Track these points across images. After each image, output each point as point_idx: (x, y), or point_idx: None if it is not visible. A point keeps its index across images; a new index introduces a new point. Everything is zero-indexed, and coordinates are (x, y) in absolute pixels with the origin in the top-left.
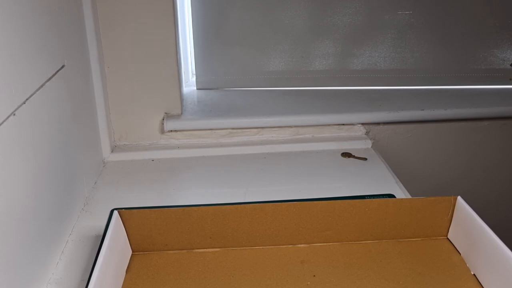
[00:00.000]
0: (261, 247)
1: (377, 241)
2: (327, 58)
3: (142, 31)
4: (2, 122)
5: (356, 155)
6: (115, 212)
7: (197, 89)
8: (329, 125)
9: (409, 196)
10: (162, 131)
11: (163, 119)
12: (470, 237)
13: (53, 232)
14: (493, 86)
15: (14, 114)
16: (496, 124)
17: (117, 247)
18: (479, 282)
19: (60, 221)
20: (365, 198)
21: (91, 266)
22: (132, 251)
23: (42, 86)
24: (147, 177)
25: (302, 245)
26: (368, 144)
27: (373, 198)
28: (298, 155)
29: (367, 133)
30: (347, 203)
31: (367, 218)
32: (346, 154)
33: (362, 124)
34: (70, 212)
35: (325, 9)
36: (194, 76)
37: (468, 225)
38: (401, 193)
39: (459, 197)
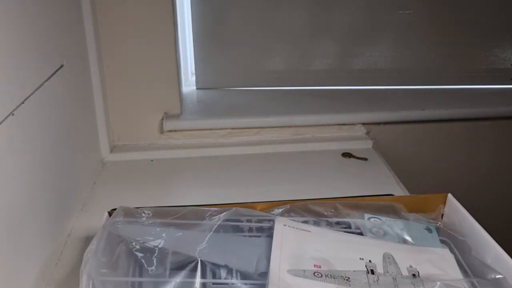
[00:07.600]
0: None
1: None
2: (327, 58)
3: (142, 31)
4: (1, 122)
5: (356, 155)
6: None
7: (196, 89)
8: (329, 125)
9: None
10: (162, 131)
11: (163, 119)
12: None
13: (52, 233)
14: (494, 86)
15: (12, 114)
16: (496, 124)
17: None
18: None
19: (59, 221)
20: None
21: None
22: None
23: (40, 86)
24: (146, 177)
25: None
26: (368, 144)
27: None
28: (298, 155)
29: (367, 133)
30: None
31: None
32: (347, 154)
33: (363, 124)
34: (69, 213)
35: (325, 8)
36: (194, 75)
37: (459, 220)
38: (401, 193)
39: (449, 194)
